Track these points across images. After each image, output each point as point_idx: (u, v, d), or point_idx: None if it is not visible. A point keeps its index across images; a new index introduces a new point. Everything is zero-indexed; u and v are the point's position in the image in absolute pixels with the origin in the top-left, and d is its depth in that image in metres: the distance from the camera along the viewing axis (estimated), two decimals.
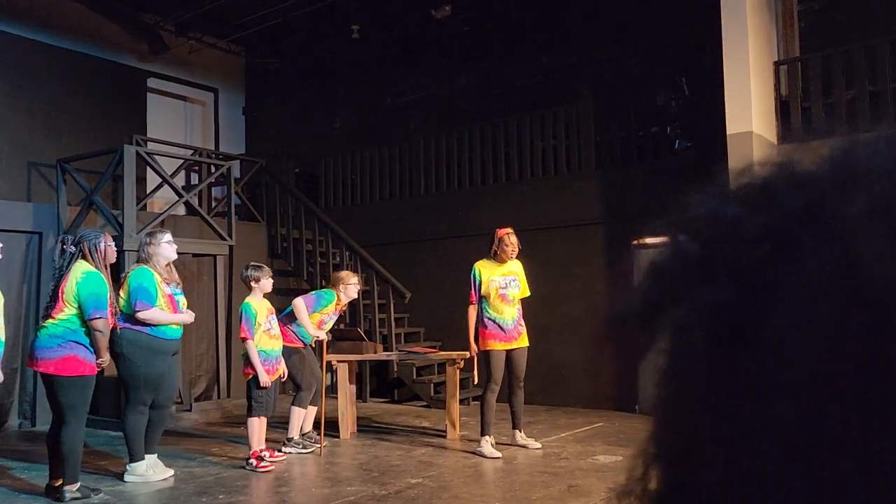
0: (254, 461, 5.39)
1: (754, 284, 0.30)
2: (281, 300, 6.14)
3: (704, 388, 0.31)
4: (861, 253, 0.27)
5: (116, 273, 6.03)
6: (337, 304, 6.15)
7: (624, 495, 0.34)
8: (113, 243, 4.86)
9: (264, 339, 5.47)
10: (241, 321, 5.43)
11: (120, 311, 4.96)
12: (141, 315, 4.90)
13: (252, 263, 5.86)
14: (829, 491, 0.27)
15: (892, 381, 0.26)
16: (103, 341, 4.57)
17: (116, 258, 6.67)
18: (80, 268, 4.58)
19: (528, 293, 5.92)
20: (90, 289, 4.52)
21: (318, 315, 6.05)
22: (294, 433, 5.97)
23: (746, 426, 0.29)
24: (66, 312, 4.52)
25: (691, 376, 0.31)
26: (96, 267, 4.64)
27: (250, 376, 5.44)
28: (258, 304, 5.53)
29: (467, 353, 6.12)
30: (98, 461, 5.61)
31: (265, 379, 5.39)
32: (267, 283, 5.67)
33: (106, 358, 4.67)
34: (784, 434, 0.28)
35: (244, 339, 5.39)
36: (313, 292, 6.22)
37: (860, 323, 0.27)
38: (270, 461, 5.45)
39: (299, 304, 5.94)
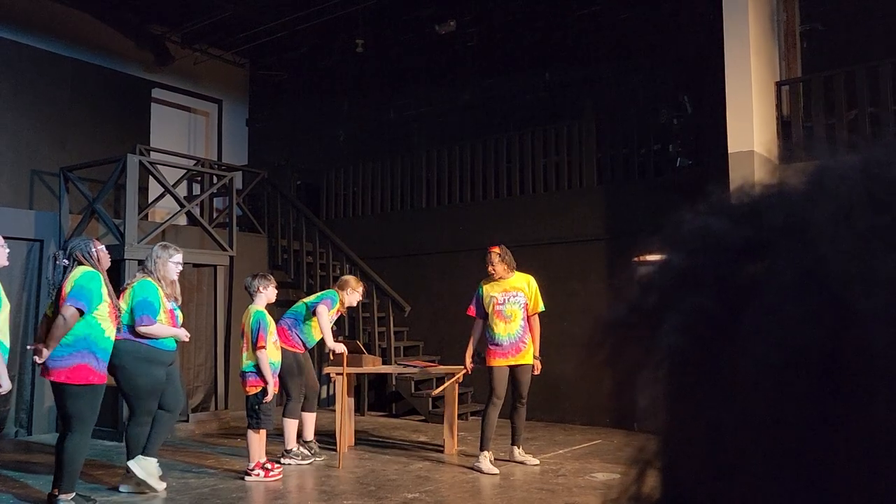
0: (261, 472, 5.36)
1: (733, 288, 0.32)
2: (280, 311, 6.12)
3: (687, 388, 0.33)
4: (826, 254, 0.30)
5: (118, 281, 6.02)
6: (338, 308, 6.18)
7: (616, 502, 0.35)
8: (103, 247, 4.80)
9: (271, 350, 5.45)
10: (257, 330, 5.34)
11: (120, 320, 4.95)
12: (144, 329, 4.89)
13: (258, 273, 5.85)
14: (805, 477, 0.28)
15: (851, 366, 0.28)
16: (59, 332, 4.39)
17: (118, 267, 6.70)
18: (78, 271, 4.56)
19: (540, 308, 5.86)
20: (79, 282, 4.49)
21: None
22: (291, 444, 5.94)
23: (724, 420, 0.30)
24: None
25: (675, 377, 0.33)
26: (95, 269, 4.63)
27: (259, 388, 5.36)
28: (268, 314, 5.54)
29: (463, 368, 6.13)
30: (93, 471, 5.58)
31: (273, 391, 5.37)
32: (272, 292, 5.68)
33: (37, 358, 4.43)
34: (758, 423, 0.29)
35: (262, 348, 5.32)
36: (323, 296, 6.19)
37: (824, 315, 0.29)
38: (277, 471, 5.46)
39: (324, 312, 5.96)
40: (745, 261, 0.32)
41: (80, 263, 4.60)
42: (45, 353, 4.42)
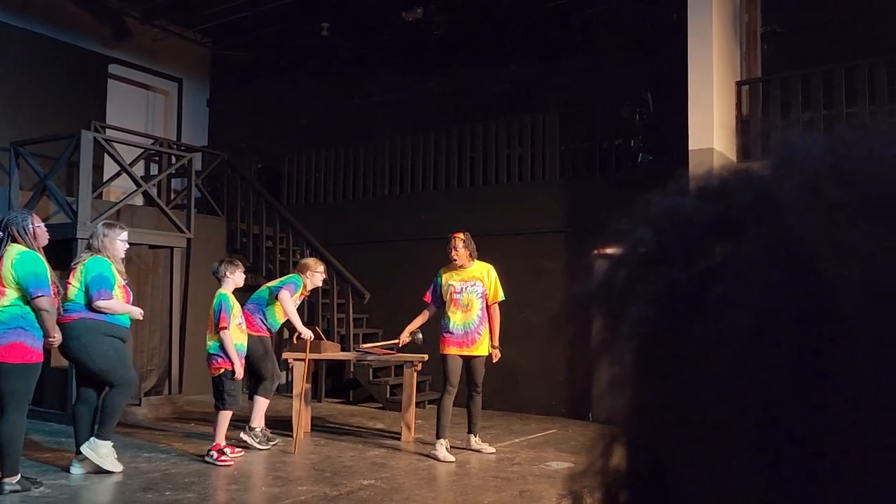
0: (214, 454, 5.36)
1: (702, 261, 0.33)
2: (239, 295, 6.04)
3: (656, 357, 0.33)
4: (793, 224, 0.31)
5: (68, 260, 5.87)
6: (302, 292, 6.16)
7: (583, 474, 0.35)
8: (42, 224, 4.65)
9: (236, 332, 5.47)
10: (219, 311, 5.38)
11: (68, 298, 4.84)
12: (102, 304, 4.84)
13: (224, 258, 5.87)
14: (779, 444, 0.29)
15: (821, 333, 0.29)
16: (50, 320, 4.43)
17: (69, 246, 6.53)
18: (14, 249, 4.42)
19: (500, 298, 5.87)
20: (27, 268, 4.36)
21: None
22: (257, 422, 5.92)
23: (696, 392, 0.31)
24: (9, 296, 4.37)
25: (644, 348, 0.34)
26: (30, 248, 4.49)
27: (223, 370, 5.37)
28: (233, 297, 5.55)
29: (398, 340, 6.22)
30: (41, 454, 5.45)
31: (241, 371, 5.40)
32: (240, 277, 5.68)
33: (57, 336, 4.52)
34: (730, 393, 0.30)
35: (224, 329, 5.32)
36: (286, 281, 6.16)
37: (792, 283, 0.29)
38: (232, 456, 5.45)
39: (286, 297, 5.93)
40: (714, 236, 0.33)
41: (14, 240, 4.46)
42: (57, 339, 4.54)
